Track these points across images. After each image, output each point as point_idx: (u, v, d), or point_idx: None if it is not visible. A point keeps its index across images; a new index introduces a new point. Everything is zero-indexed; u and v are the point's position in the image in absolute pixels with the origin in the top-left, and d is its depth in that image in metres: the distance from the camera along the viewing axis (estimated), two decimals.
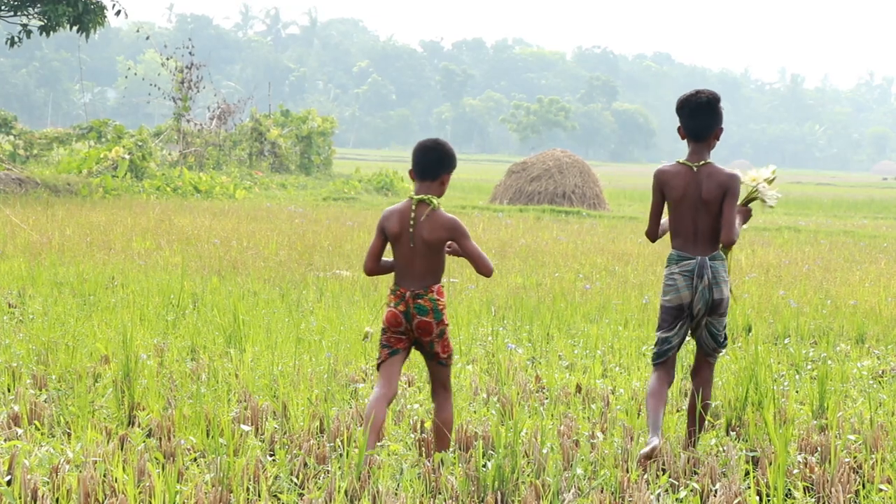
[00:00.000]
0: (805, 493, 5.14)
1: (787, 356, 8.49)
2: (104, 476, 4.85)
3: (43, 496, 4.53)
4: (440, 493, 4.89)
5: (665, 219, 5.95)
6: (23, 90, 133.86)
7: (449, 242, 5.34)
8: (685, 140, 5.82)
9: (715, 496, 4.90)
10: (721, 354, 5.94)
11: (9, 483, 4.66)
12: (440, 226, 5.27)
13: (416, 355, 7.82)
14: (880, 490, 5.09)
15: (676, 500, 4.95)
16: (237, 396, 6.46)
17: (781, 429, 5.81)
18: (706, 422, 5.85)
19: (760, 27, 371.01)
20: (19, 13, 26.55)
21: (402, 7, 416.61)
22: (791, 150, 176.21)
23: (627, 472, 5.26)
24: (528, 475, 5.10)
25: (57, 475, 4.73)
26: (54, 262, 11.99)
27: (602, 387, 7.19)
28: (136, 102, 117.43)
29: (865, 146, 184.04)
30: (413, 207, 5.29)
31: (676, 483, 5.17)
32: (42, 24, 25.82)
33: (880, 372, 8.02)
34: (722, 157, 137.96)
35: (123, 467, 4.88)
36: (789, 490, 5.11)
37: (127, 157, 28.70)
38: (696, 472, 5.34)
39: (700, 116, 5.73)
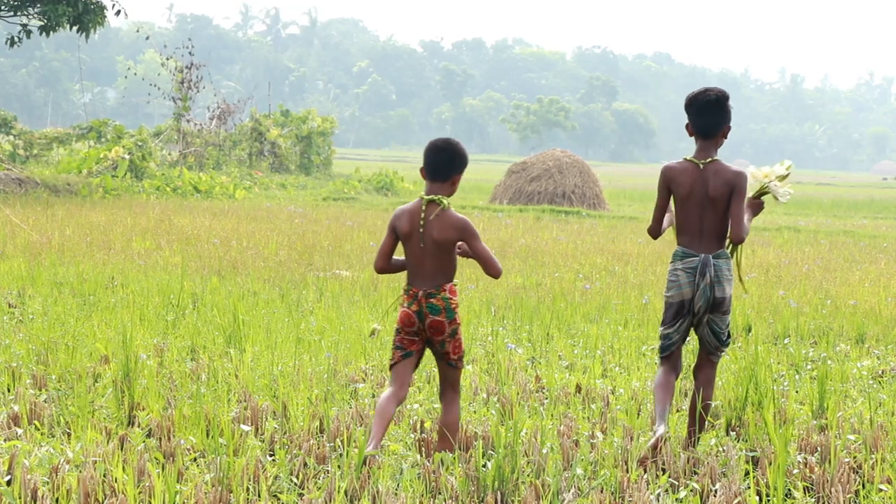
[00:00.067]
0: (805, 493, 5.14)
1: (786, 356, 8.49)
2: (104, 476, 4.85)
3: (43, 496, 4.53)
4: (440, 493, 4.89)
5: (666, 216, 5.95)
6: (23, 90, 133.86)
7: (459, 243, 5.37)
8: (693, 137, 5.83)
9: (715, 496, 4.90)
10: (723, 353, 5.94)
11: (9, 483, 4.67)
12: (450, 226, 5.29)
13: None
14: (880, 490, 5.09)
15: (676, 500, 4.95)
16: (237, 396, 6.46)
17: (781, 429, 5.81)
18: (706, 422, 5.85)
19: (760, 27, 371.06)
20: (19, 13, 26.55)
21: (402, 7, 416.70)
22: (791, 150, 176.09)
23: (627, 472, 5.26)
24: (528, 475, 5.10)
25: (57, 475, 4.73)
26: (54, 262, 11.99)
27: (602, 387, 7.19)
28: (136, 102, 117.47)
29: (865, 146, 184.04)
30: (423, 207, 5.31)
31: (676, 483, 5.17)
32: (42, 24, 25.82)
33: (880, 372, 8.02)
34: (721, 156, 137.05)
35: (123, 467, 4.89)
36: (789, 490, 5.11)
37: (127, 157, 28.70)
38: (696, 472, 5.34)
39: (708, 114, 5.74)
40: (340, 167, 47.10)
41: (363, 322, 8.99)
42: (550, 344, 8.81)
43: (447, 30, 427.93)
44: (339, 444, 5.57)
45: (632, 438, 5.74)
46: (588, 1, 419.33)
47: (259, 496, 4.78)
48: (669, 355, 5.83)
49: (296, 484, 4.96)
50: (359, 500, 4.77)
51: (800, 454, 5.59)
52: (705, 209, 5.70)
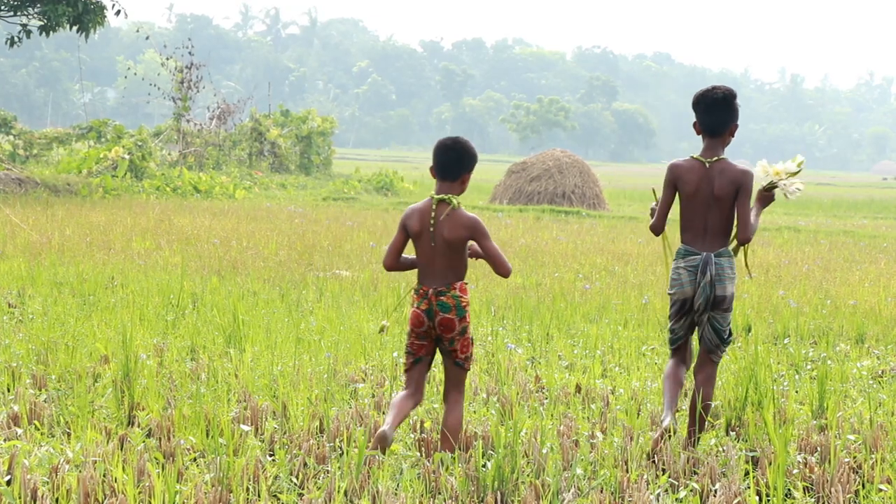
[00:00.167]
0: (805, 493, 5.14)
1: (786, 356, 8.49)
2: (104, 476, 4.85)
3: (43, 496, 4.53)
4: (440, 493, 4.89)
5: (654, 222, 5.96)
6: (23, 90, 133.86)
7: (470, 244, 5.39)
8: (700, 136, 5.83)
9: (715, 496, 4.90)
10: (724, 353, 5.94)
11: (9, 483, 4.66)
12: (460, 225, 5.30)
13: None
14: (880, 490, 5.09)
15: (676, 500, 4.95)
16: (237, 396, 6.46)
17: (781, 429, 5.81)
18: (706, 422, 5.85)
19: (760, 27, 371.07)
20: (19, 13, 26.54)
21: (402, 7, 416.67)
22: (791, 150, 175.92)
23: (627, 472, 5.26)
24: (528, 475, 5.10)
25: (57, 475, 4.73)
26: (54, 262, 11.99)
27: (602, 387, 7.19)
28: (136, 102, 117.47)
29: (865, 146, 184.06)
30: (433, 206, 5.33)
31: (676, 483, 5.17)
32: (42, 24, 25.81)
33: (880, 372, 8.02)
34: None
35: (123, 467, 4.88)
36: (789, 490, 5.11)
37: (127, 157, 28.70)
38: (695, 472, 5.34)
39: (716, 112, 5.75)
40: (340, 167, 47.10)
41: (363, 322, 8.99)
42: (550, 344, 8.81)
43: (447, 30, 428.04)
44: (339, 444, 5.57)
45: (632, 438, 5.74)
46: (588, 1, 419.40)
47: (259, 496, 4.78)
48: (678, 347, 5.93)
49: (296, 484, 4.96)
50: (359, 500, 4.77)
51: (800, 454, 5.59)
52: (710, 208, 5.72)
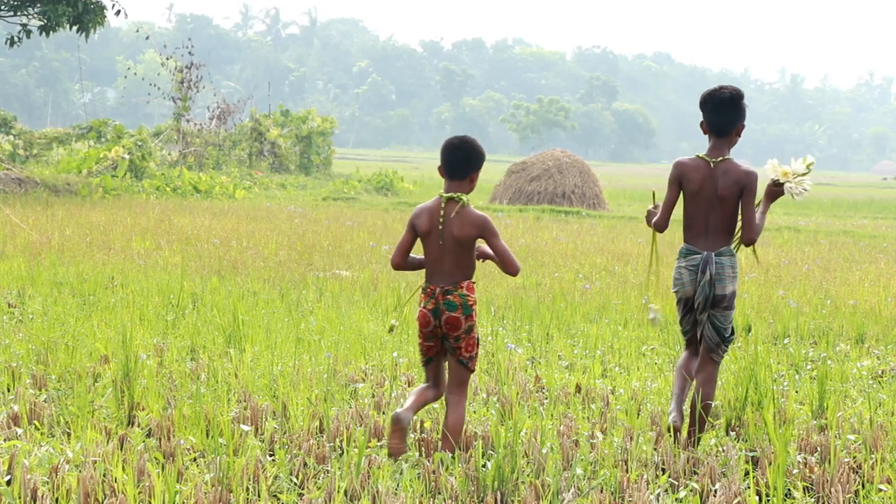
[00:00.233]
0: (805, 493, 5.14)
1: (786, 356, 8.49)
2: (104, 476, 4.85)
3: (43, 496, 4.53)
4: (440, 493, 4.89)
5: (658, 218, 5.97)
6: (23, 90, 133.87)
7: (478, 245, 5.41)
8: (707, 135, 5.84)
9: (715, 496, 4.90)
10: (725, 352, 5.94)
11: (8, 483, 4.66)
12: (469, 223, 5.33)
13: (417, 353, 7.83)
14: (880, 490, 5.09)
15: (676, 500, 4.95)
16: (237, 396, 6.46)
17: (781, 429, 5.81)
18: (706, 422, 5.85)
19: (760, 27, 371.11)
20: (19, 13, 26.54)
21: (402, 7, 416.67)
22: (791, 150, 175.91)
23: (627, 472, 5.26)
24: (528, 475, 5.10)
25: (57, 475, 4.73)
26: (54, 262, 11.99)
27: (602, 387, 7.19)
28: (136, 102, 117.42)
29: (865, 146, 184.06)
30: (442, 205, 5.35)
31: (676, 483, 5.17)
32: (42, 24, 25.81)
33: (880, 372, 8.01)
34: None
35: (123, 467, 4.88)
36: (789, 490, 5.11)
37: (126, 157, 28.70)
38: (695, 472, 5.34)
39: (723, 112, 5.76)
40: (340, 167, 47.10)
41: (363, 322, 8.99)
42: (550, 344, 8.81)
43: (447, 30, 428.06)
44: (339, 443, 5.57)
45: (631, 438, 5.74)
46: (588, 1, 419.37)
47: (259, 496, 4.78)
48: (690, 339, 6.01)
49: (295, 484, 4.96)
50: (359, 500, 4.77)
51: (800, 454, 5.59)
52: (713, 207, 5.73)
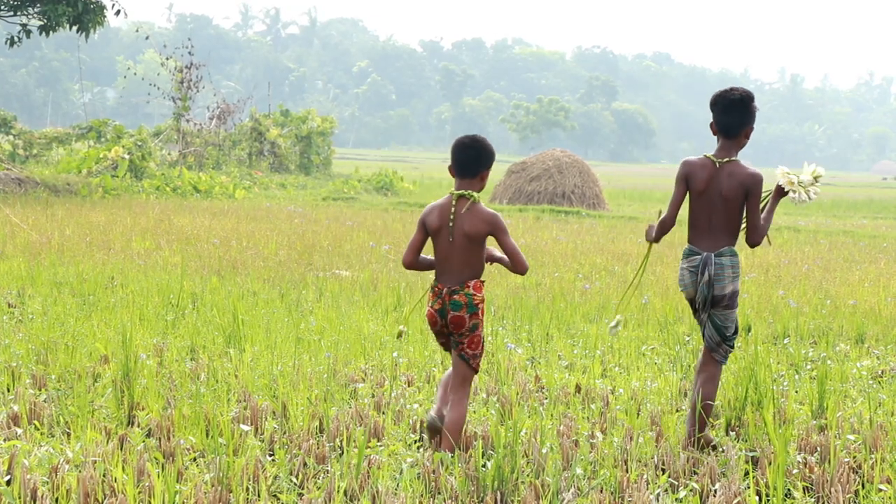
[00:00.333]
0: (804, 493, 5.14)
1: (786, 356, 8.49)
2: (104, 476, 4.85)
3: (42, 496, 4.53)
4: (440, 493, 4.89)
5: (665, 215, 5.96)
6: (22, 90, 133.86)
7: (487, 249, 5.45)
8: (716, 136, 5.84)
9: (714, 496, 4.90)
10: (726, 352, 5.94)
11: (8, 483, 4.66)
12: (480, 219, 5.37)
13: (417, 353, 7.84)
14: (880, 490, 5.09)
15: (676, 500, 4.95)
16: (237, 396, 6.46)
17: (781, 429, 5.81)
18: (706, 422, 5.84)
19: (760, 27, 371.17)
20: (19, 13, 26.54)
21: (402, 7, 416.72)
22: (791, 150, 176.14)
23: (627, 471, 5.26)
24: (528, 475, 5.10)
25: (56, 475, 4.73)
26: (54, 261, 11.99)
27: (601, 387, 7.19)
28: (136, 102, 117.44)
29: (865, 146, 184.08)
30: (453, 202, 5.38)
31: (676, 483, 5.17)
32: (42, 23, 25.81)
33: (880, 372, 8.02)
34: None
35: (123, 467, 4.88)
36: (789, 490, 5.11)
37: (126, 156, 28.70)
38: (695, 472, 5.34)
39: (732, 113, 5.77)
40: (340, 167, 47.11)
41: (363, 322, 8.99)
42: (550, 344, 8.81)
43: (447, 30, 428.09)
44: (339, 443, 5.57)
45: (631, 438, 5.74)
46: (588, 1, 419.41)
47: (259, 496, 4.78)
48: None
49: (295, 484, 4.96)
50: (358, 500, 4.77)
51: (799, 454, 5.59)
52: (716, 207, 5.74)
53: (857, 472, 5.40)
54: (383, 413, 6.23)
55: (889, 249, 19.17)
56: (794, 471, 5.26)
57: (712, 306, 5.81)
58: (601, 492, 4.91)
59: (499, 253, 5.58)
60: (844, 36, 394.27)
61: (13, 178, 24.51)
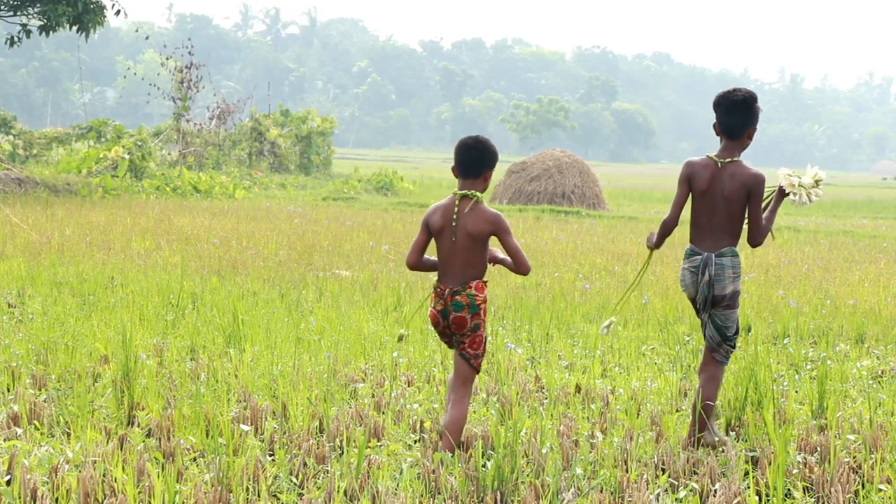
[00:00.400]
0: (804, 493, 5.14)
1: (786, 356, 8.49)
2: (104, 476, 4.85)
3: (42, 496, 4.53)
4: (440, 493, 4.89)
5: (667, 216, 5.97)
6: (22, 90, 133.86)
7: (490, 250, 5.45)
8: (719, 137, 5.85)
9: (714, 496, 4.90)
10: (727, 352, 5.94)
11: (8, 483, 4.66)
12: (483, 219, 5.38)
13: (417, 353, 7.84)
14: (880, 490, 5.09)
15: (676, 500, 4.95)
16: (237, 396, 6.46)
17: (781, 429, 5.81)
18: (706, 422, 5.85)
19: (760, 27, 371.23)
20: (19, 13, 26.54)
21: (401, 7, 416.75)
22: (791, 150, 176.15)
23: (627, 471, 5.26)
24: (528, 475, 5.10)
25: (56, 475, 4.73)
26: (54, 262, 11.99)
27: (601, 387, 7.19)
28: (136, 102, 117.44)
29: (865, 146, 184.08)
30: (457, 202, 5.40)
31: (676, 483, 5.17)
32: (42, 23, 25.81)
33: (880, 372, 8.02)
34: None
35: (123, 467, 4.88)
36: (789, 490, 5.11)
37: (126, 156, 28.70)
38: (695, 472, 5.34)
39: (736, 114, 5.77)
40: (340, 167, 47.11)
41: (363, 322, 8.99)
42: (550, 344, 8.81)
43: (447, 30, 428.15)
44: (339, 443, 5.57)
45: (631, 438, 5.74)
46: (588, 1, 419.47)
47: (259, 496, 4.78)
48: None
49: (295, 484, 4.96)
50: (358, 500, 4.76)
51: (799, 454, 5.59)
52: (718, 207, 5.75)
53: (857, 472, 5.40)
54: (383, 413, 6.23)
55: (889, 249, 19.16)
56: (794, 471, 5.26)
57: (713, 306, 5.82)
58: (601, 492, 4.91)
59: (501, 255, 5.58)
60: (844, 36, 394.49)
61: (13, 178, 24.51)
